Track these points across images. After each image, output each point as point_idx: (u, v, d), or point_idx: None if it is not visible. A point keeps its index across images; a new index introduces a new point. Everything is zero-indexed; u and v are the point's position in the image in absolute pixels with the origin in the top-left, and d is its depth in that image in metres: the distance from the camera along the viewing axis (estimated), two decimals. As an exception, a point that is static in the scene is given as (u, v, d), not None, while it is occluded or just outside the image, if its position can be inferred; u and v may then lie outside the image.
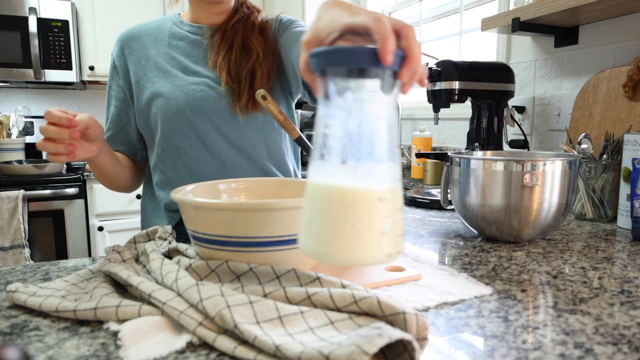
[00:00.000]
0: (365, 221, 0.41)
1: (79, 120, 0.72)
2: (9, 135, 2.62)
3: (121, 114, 1.01)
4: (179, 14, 1.05)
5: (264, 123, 0.97)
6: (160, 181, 0.97)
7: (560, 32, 1.40)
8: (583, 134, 1.09)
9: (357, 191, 0.41)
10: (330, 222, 0.42)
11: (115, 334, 0.49)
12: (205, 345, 0.46)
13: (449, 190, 0.95)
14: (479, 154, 1.04)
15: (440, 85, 1.33)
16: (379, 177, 0.42)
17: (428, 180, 1.89)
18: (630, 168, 0.94)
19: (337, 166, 0.42)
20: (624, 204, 0.98)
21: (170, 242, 0.72)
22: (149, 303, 0.52)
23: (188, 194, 0.69)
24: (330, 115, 0.42)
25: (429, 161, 1.87)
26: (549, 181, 0.81)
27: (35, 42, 2.37)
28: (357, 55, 0.41)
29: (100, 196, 2.32)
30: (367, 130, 0.42)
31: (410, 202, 1.27)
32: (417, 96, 2.30)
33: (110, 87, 1.02)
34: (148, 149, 1.02)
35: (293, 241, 0.58)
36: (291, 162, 1.06)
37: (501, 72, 1.39)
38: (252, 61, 0.94)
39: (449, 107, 1.38)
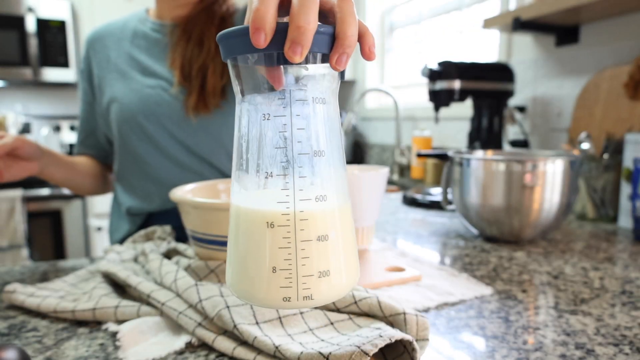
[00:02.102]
0: (254, 251, 0.34)
1: (1, 144, 0.69)
2: (8, 134, 2.62)
3: (89, 118, 0.98)
4: (147, 9, 0.98)
5: (222, 126, 0.89)
6: (123, 186, 0.94)
7: (561, 31, 1.40)
8: (584, 134, 1.08)
9: (247, 212, 0.34)
10: (230, 249, 0.36)
11: (114, 335, 0.48)
12: (204, 345, 0.46)
13: (449, 190, 0.95)
14: (479, 153, 1.04)
15: (440, 85, 1.32)
16: (278, 194, 0.33)
17: (428, 180, 1.89)
18: (632, 168, 0.94)
19: (254, 179, 0.35)
20: (625, 204, 0.98)
21: (169, 243, 0.72)
22: (148, 304, 0.52)
23: (188, 194, 0.69)
24: (246, 113, 0.35)
25: (429, 161, 1.86)
26: (549, 181, 0.81)
27: (33, 42, 2.37)
28: (232, 39, 0.33)
29: (99, 197, 2.32)
30: (291, 133, 0.34)
31: (410, 202, 1.27)
32: (417, 96, 2.30)
33: (79, 91, 0.99)
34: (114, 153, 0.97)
35: (293, 241, 0.58)
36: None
37: (502, 72, 1.38)
38: (202, 56, 0.86)
39: (449, 106, 1.37)
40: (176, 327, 0.49)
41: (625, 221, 0.98)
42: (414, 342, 0.41)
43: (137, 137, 0.88)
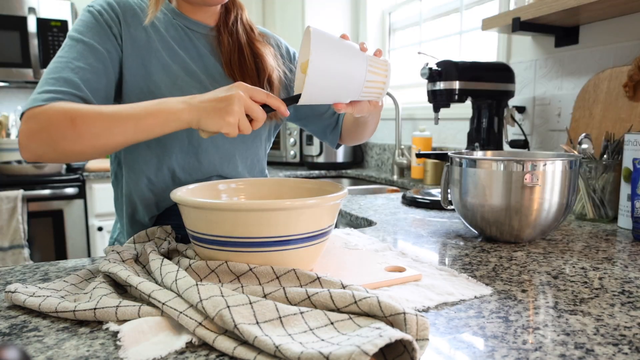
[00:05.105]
0: None
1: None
2: (8, 135, 2.63)
3: (98, 67, 0.80)
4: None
5: (255, 137, 0.96)
6: (138, 181, 0.89)
7: (560, 32, 1.40)
8: (583, 134, 1.09)
9: None
10: None
11: (114, 335, 0.49)
12: (205, 345, 0.46)
13: (449, 190, 0.95)
14: (479, 154, 1.04)
15: (440, 85, 1.33)
16: None
17: (428, 180, 1.89)
18: (631, 168, 0.94)
19: None
20: (624, 204, 0.98)
21: (169, 243, 0.72)
22: (149, 303, 0.52)
23: (188, 194, 0.69)
24: None
25: (429, 161, 1.87)
26: (549, 181, 0.81)
27: (34, 42, 2.37)
28: None
29: (100, 196, 2.32)
30: None
31: (410, 202, 1.27)
32: (417, 96, 2.30)
33: (92, 40, 0.79)
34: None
35: (293, 241, 0.58)
36: (265, 174, 1.04)
37: (501, 72, 1.39)
38: (268, 69, 0.93)
39: (449, 107, 1.38)
40: (177, 327, 0.49)
41: (624, 221, 0.98)
42: (414, 342, 0.41)
43: (177, 135, 0.87)
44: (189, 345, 0.46)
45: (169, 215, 0.90)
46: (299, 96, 0.71)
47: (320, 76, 0.66)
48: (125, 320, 0.50)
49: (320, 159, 2.45)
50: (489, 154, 1.03)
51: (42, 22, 2.39)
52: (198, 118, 0.69)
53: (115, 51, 0.82)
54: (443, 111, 1.47)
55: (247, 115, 0.69)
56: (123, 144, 0.73)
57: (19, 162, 2.45)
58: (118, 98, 0.86)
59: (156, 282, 0.57)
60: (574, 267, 0.72)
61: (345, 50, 0.69)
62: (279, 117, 0.97)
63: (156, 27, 0.87)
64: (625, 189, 0.98)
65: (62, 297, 0.56)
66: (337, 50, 0.68)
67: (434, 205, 1.21)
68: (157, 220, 0.91)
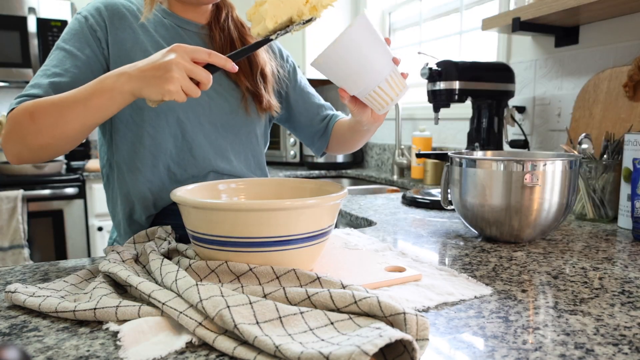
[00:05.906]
0: None
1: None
2: (9, 135, 2.62)
3: (77, 73, 0.82)
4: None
5: (250, 132, 0.96)
6: (135, 179, 0.88)
7: (560, 32, 1.40)
8: (583, 134, 1.09)
9: None
10: None
11: (114, 335, 0.49)
12: (205, 345, 0.46)
13: (449, 190, 0.95)
14: (479, 154, 1.04)
15: (440, 85, 1.33)
16: None
17: (428, 180, 1.89)
18: (631, 168, 0.94)
19: None
20: (624, 204, 0.98)
21: (169, 243, 0.72)
22: (149, 303, 0.52)
23: (188, 194, 0.69)
24: None
25: (429, 161, 1.87)
26: (549, 181, 0.81)
27: (34, 42, 2.37)
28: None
29: (100, 196, 2.32)
30: None
31: (410, 202, 1.27)
32: (417, 96, 2.30)
33: (73, 47, 0.83)
34: (116, 143, 0.89)
35: (293, 241, 0.58)
36: (265, 172, 1.03)
37: (501, 72, 1.39)
38: (261, 62, 0.94)
39: (449, 107, 1.38)
40: (177, 327, 0.49)
41: (624, 221, 0.98)
42: (414, 342, 0.41)
43: (171, 132, 0.87)
44: (189, 345, 0.46)
45: (166, 215, 0.90)
46: (252, 46, 0.70)
47: (345, 49, 0.67)
48: (125, 320, 0.50)
49: (320, 159, 2.45)
50: (489, 154, 1.03)
51: (42, 22, 2.39)
52: (139, 87, 0.67)
53: (95, 56, 0.84)
54: (443, 111, 1.47)
55: (193, 79, 0.66)
56: (83, 129, 0.73)
57: (19, 162, 2.44)
58: None
59: (156, 282, 0.57)
60: (574, 267, 0.72)
61: (380, 48, 0.69)
62: (272, 110, 0.97)
63: (145, 27, 0.88)
64: (625, 189, 0.98)
65: (62, 297, 0.56)
66: (373, 40, 0.68)
67: (434, 205, 1.21)
68: (154, 220, 0.91)
